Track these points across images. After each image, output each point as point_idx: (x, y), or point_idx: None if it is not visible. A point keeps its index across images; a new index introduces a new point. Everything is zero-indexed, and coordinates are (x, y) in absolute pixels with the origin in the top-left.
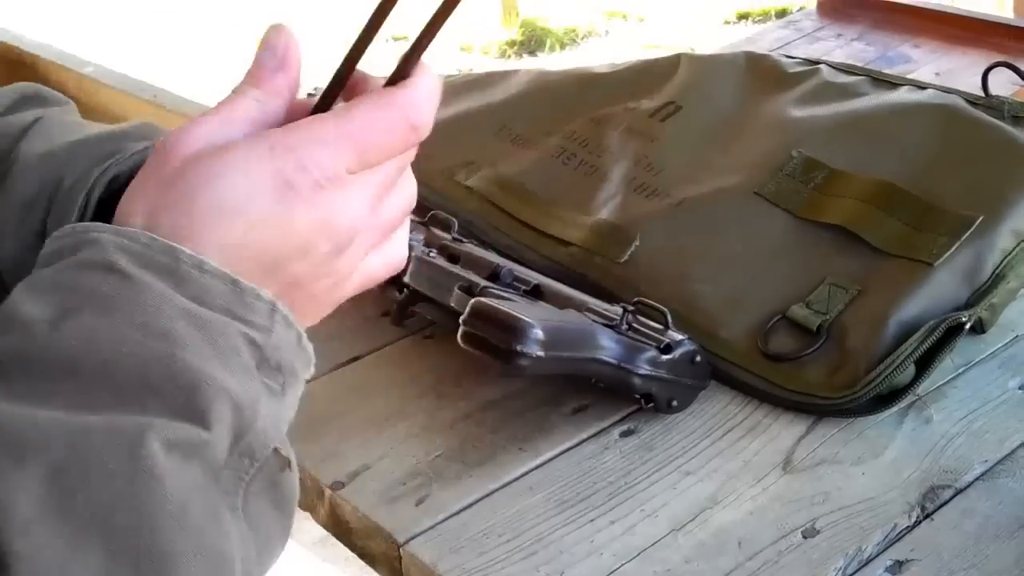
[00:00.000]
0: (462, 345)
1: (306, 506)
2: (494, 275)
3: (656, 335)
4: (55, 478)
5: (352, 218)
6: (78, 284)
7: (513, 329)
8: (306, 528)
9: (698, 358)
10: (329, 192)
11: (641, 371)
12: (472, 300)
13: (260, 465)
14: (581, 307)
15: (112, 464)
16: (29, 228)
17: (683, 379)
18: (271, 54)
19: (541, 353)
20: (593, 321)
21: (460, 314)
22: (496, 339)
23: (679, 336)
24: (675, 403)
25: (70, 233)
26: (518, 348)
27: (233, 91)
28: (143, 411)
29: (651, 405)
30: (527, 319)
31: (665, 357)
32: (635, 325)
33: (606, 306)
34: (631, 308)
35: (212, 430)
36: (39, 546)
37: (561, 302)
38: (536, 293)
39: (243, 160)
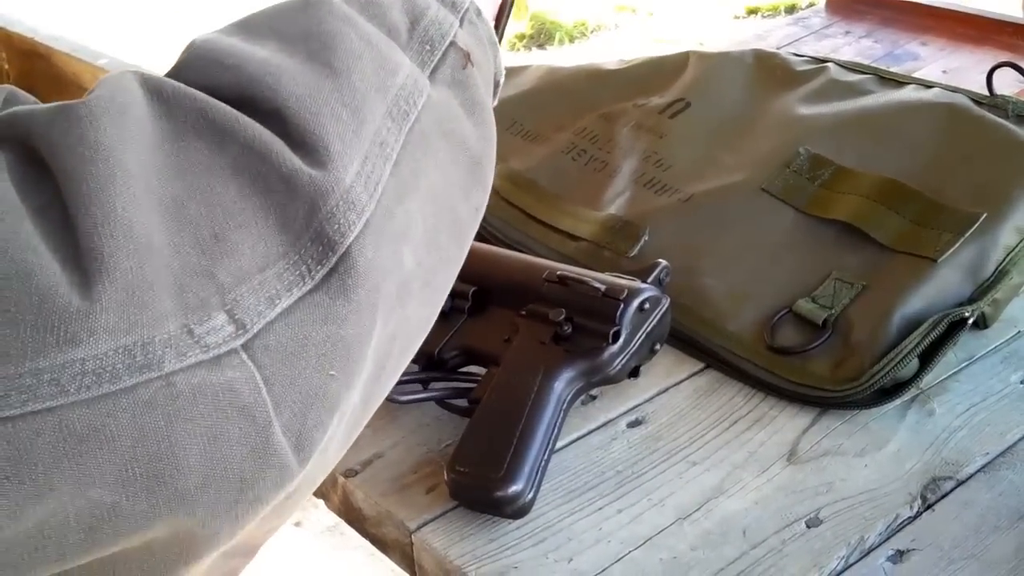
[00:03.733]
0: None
1: (320, 493)
2: None
3: (600, 327)
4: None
5: None
6: None
7: (496, 503)
8: (315, 517)
9: (646, 304)
10: None
11: (612, 370)
12: (446, 480)
13: (441, 55)
14: (524, 303)
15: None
16: None
17: (645, 329)
18: None
19: (531, 495)
20: (540, 353)
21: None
22: (490, 512)
23: (616, 303)
24: (658, 347)
25: None
26: (510, 511)
27: None
28: None
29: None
30: (499, 492)
31: (620, 343)
32: (577, 322)
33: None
34: (564, 316)
35: None
36: (226, 42)
37: (506, 300)
38: (479, 300)
39: None
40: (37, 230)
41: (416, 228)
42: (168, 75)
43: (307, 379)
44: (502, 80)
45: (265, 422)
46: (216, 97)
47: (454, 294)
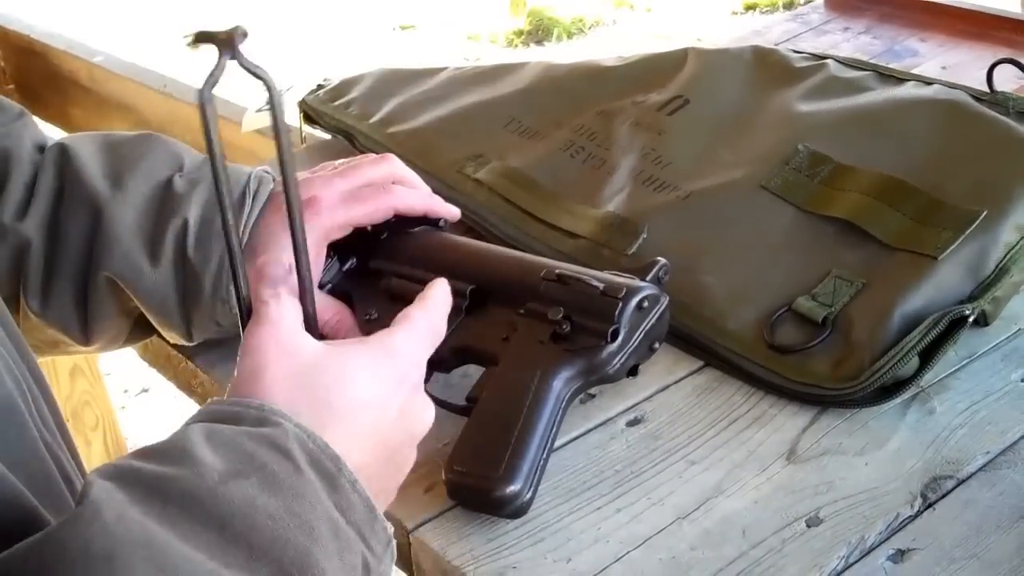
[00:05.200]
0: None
1: None
2: None
3: (599, 325)
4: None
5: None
6: (255, 454)
7: (494, 503)
8: None
9: (645, 302)
10: (421, 382)
11: (611, 369)
12: (444, 480)
13: None
14: (522, 302)
15: None
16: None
17: (644, 328)
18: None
19: (529, 494)
20: (539, 352)
21: None
22: (489, 512)
23: (614, 302)
24: (656, 345)
25: (258, 407)
26: (509, 510)
27: (269, 297)
28: None
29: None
30: (498, 492)
31: (618, 342)
32: (576, 321)
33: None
34: (562, 315)
35: None
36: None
37: (504, 298)
38: (477, 298)
39: (371, 363)
40: None
41: None
42: None
43: None
44: None
45: None
46: None
47: (452, 293)
